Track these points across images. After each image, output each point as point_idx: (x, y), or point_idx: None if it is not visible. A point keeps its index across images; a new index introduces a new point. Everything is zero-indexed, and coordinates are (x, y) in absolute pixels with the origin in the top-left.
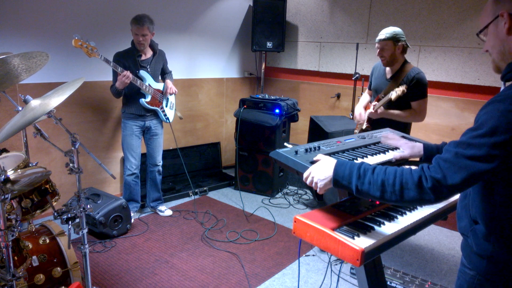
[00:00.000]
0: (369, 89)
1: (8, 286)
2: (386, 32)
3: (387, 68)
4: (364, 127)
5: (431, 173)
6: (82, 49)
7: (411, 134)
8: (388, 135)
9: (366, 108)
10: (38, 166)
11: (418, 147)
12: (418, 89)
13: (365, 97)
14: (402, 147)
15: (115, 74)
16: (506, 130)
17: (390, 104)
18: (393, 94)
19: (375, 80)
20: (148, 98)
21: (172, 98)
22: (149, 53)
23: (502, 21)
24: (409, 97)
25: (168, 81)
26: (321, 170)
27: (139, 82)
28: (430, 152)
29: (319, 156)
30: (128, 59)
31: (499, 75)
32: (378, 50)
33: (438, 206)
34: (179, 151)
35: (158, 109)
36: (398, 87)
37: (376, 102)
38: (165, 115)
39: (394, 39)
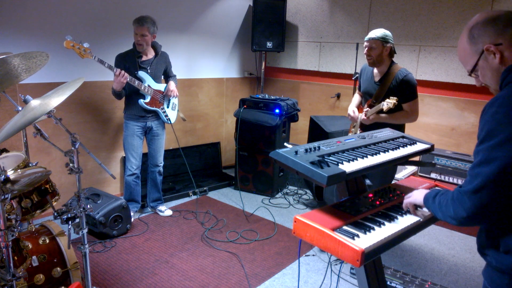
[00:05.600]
0: (359, 90)
1: (8, 286)
2: (376, 32)
3: (375, 71)
4: (357, 132)
5: (459, 187)
6: (74, 50)
7: (408, 134)
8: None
9: (358, 108)
10: (38, 166)
11: None
12: (408, 91)
13: (356, 97)
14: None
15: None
16: (501, 131)
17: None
18: (385, 105)
19: (364, 83)
20: (147, 99)
21: (174, 99)
22: (150, 54)
23: (490, 54)
24: (400, 99)
25: (171, 83)
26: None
27: (137, 83)
28: None
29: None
30: (128, 60)
31: None
32: (366, 48)
33: None
34: (181, 151)
35: (159, 110)
36: (388, 95)
37: (368, 108)
38: (166, 116)
39: (383, 39)
